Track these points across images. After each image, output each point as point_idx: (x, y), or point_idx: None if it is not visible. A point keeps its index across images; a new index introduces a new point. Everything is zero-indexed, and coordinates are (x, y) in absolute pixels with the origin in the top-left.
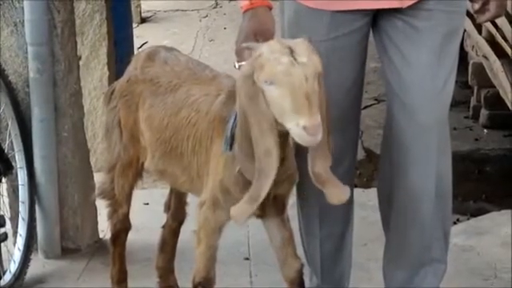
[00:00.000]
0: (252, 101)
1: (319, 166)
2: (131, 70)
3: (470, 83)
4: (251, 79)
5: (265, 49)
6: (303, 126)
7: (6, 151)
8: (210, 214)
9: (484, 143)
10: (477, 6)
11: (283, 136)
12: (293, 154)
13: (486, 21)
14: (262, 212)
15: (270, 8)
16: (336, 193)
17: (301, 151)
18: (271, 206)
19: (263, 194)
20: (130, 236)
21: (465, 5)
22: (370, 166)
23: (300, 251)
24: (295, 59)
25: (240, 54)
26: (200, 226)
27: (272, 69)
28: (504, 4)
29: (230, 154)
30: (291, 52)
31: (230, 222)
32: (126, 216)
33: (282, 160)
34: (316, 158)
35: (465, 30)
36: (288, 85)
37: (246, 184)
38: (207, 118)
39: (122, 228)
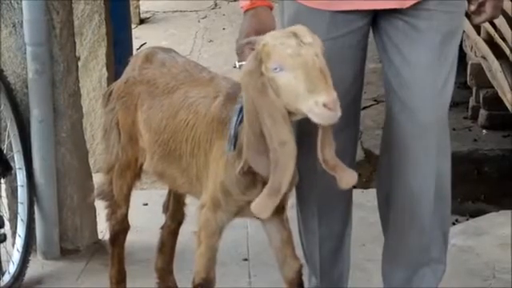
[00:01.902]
0: (261, 93)
1: (327, 153)
2: (129, 71)
3: (468, 84)
4: (258, 72)
5: (268, 38)
6: (323, 103)
7: (4, 152)
8: (210, 215)
9: (483, 144)
10: (473, 7)
11: None
12: None
13: (481, 22)
14: None
15: (271, 8)
16: (345, 177)
17: (300, 149)
18: None
19: (285, 186)
20: (129, 237)
21: (464, 5)
22: (369, 167)
23: (299, 252)
24: (301, 41)
25: (241, 54)
26: (200, 228)
27: (280, 54)
28: (500, 5)
29: (234, 153)
30: (295, 35)
31: (230, 223)
32: (125, 217)
33: None
34: (324, 144)
35: (463, 31)
36: (300, 66)
37: (248, 185)
38: (205, 120)
39: (120, 229)
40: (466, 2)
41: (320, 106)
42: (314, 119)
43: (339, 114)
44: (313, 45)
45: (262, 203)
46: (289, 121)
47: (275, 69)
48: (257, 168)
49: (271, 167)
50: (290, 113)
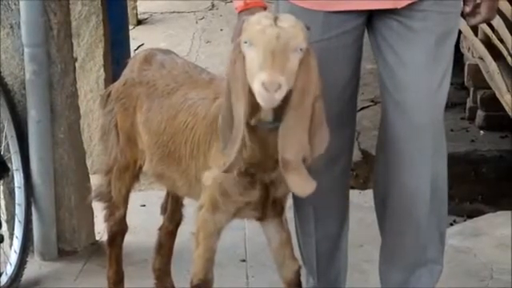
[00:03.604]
0: (233, 66)
1: (290, 153)
2: (128, 72)
3: (466, 84)
4: (239, 47)
5: (254, 16)
6: (262, 82)
7: (2, 153)
8: (208, 216)
9: (480, 144)
10: (468, 8)
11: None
12: None
13: (476, 24)
14: (262, 214)
15: (265, 8)
16: (301, 183)
17: None
18: (270, 209)
19: (229, 160)
20: (127, 238)
21: (459, 6)
22: (367, 168)
23: (297, 252)
24: (275, 23)
25: None
26: (199, 229)
27: (251, 29)
28: (495, 7)
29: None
30: (275, 18)
31: (228, 224)
32: (123, 218)
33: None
34: (288, 143)
35: (461, 32)
36: (261, 43)
37: (246, 186)
38: (205, 122)
39: (118, 230)
40: (462, 3)
41: (260, 84)
42: (257, 99)
43: (276, 98)
44: (283, 29)
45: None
46: (247, 100)
47: (245, 43)
48: (222, 140)
49: (229, 143)
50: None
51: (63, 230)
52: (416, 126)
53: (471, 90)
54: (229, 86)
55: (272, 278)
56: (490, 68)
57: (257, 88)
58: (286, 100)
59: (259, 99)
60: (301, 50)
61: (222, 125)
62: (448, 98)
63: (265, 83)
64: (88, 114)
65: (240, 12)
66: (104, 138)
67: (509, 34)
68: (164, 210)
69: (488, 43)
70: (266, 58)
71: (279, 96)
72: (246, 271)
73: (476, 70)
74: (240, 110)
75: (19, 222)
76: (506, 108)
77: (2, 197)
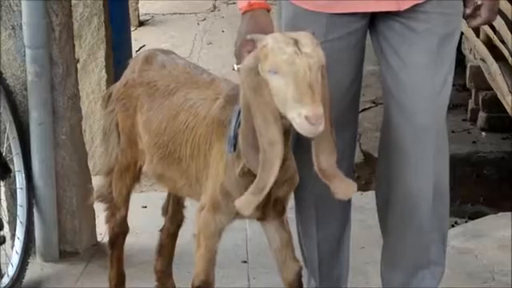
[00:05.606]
0: (256, 92)
1: (324, 162)
2: (128, 73)
3: (467, 86)
4: (255, 70)
5: (269, 39)
6: (305, 116)
7: (3, 154)
8: (210, 217)
9: (482, 146)
10: (468, 10)
11: (284, 134)
12: (293, 156)
13: (477, 25)
14: (263, 214)
15: (269, 10)
16: (342, 188)
17: (298, 151)
18: (271, 209)
19: (269, 185)
20: (128, 239)
21: (461, 7)
22: (368, 169)
23: (298, 253)
24: (299, 49)
25: (239, 56)
26: (200, 230)
27: (276, 58)
28: (496, 8)
29: (234, 154)
30: (295, 42)
31: (229, 225)
32: (124, 219)
33: (283, 161)
34: (320, 153)
35: (462, 33)
36: (291, 74)
37: (247, 186)
38: (205, 122)
39: (119, 231)
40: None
41: (302, 117)
42: (296, 128)
43: (321, 129)
44: (310, 56)
45: (246, 200)
46: (279, 122)
47: (270, 71)
48: (249, 163)
49: (259, 166)
50: (282, 116)
51: (65, 231)
52: (419, 127)
53: (473, 91)
54: (248, 109)
55: (273, 280)
56: (492, 69)
57: (298, 121)
58: None
59: (301, 131)
60: (322, 66)
61: (245, 146)
62: (450, 99)
63: (309, 118)
64: (90, 115)
65: (244, 13)
66: (105, 139)
67: (510, 35)
68: (165, 211)
69: (489, 44)
70: (303, 92)
71: (323, 126)
72: (247, 272)
73: (478, 72)
74: (274, 136)
75: (21, 223)
76: (508, 109)
77: (3, 198)
